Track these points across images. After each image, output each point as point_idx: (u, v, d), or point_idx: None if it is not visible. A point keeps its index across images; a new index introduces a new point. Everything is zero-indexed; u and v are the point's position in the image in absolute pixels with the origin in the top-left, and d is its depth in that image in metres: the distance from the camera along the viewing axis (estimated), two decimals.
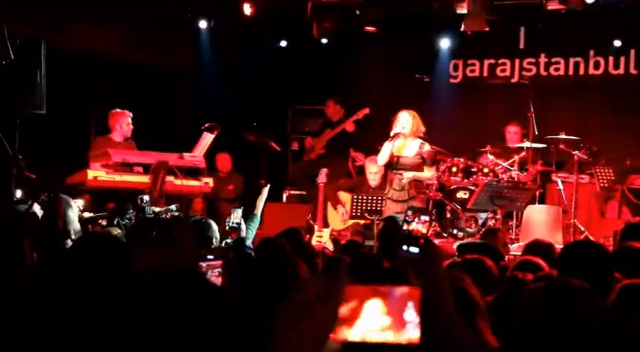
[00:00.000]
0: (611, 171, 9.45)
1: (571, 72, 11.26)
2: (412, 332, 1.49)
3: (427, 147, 8.24)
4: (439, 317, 1.51)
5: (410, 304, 1.52)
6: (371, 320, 1.50)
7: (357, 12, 10.71)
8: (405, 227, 2.45)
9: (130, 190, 7.65)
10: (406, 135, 8.13)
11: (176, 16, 10.94)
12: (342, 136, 10.72)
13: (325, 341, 1.47)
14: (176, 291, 2.42)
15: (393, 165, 8.21)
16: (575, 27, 10.61)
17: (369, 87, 11.72)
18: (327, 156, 10.74)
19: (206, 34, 11.81)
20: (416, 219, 2.44)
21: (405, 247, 2.29)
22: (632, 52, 10.83)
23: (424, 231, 2.34)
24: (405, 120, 8.12)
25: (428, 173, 8.36)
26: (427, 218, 2.40)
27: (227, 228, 5.84)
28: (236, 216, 5.90)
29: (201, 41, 11.84)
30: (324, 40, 11.35)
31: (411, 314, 1.51)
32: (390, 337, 1.50)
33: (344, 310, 1.50)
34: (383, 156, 8.23)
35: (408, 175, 8.12)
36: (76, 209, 5.32)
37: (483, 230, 7.03)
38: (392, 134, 8.12)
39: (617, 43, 10.74)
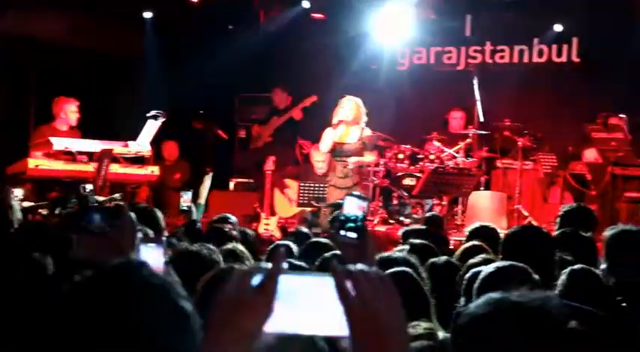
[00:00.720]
0: (554, 157, 9.60)
1: (516, 60, 11.38)
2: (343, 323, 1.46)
3: (367, 131, 8.27)
4: (365, 303, 1.47)
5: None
6: (305, 311, 1.47)
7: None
8: (340, 210, 2.45)
9: (73, 179, 7.53)
10: (349, 123, 8.13)
11: (122, 2, 10.78)
12: (289, 124, 10.70)
13: (259, 333, 1.44)
14: (117, 281, 2.38)
15: (336, 152, 8.21)
16: (519, 15, 10.70)
17: (316, 74, 11.69)
18: (275, 144, 10.72)
19: (153, 21, 11.66)
20: (350, 202, 2.43)
21: (342, 232, 2.30)
22: (575, 40, 10.99)
23: (359, 214, 2.34)
24: (349, 107, 8.14)
25: (370, 157, 8.40)
26: (365, 204, 2.40)
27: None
28: (186, 199, 5.86)
29: (147, 28, 11.68)
30: (272, 27, 11.29)
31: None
32: (324, 329, 1.47)
33: (279, 300, 1.46)
34: (325, 144, 8.23)
35: (352, 160, 8.13)
36: (16, 198, 5.23)
37: (426, 216, 7.13)
38: (335, 121, 8.11)
39: (559, 29, 10.82)
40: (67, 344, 1.65)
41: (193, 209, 6.12)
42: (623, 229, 4.03)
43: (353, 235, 2.28)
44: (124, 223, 3.02)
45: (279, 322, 1.44)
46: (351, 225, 2.30)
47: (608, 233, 4.06)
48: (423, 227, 6.00)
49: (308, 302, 1.46)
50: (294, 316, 1.45)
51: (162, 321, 1.65)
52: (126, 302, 1.64)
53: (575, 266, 3.66)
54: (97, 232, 2.99)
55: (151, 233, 4.38)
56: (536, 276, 3.22)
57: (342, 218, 2.30)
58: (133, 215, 3.60)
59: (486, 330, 1.73)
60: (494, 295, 1.77)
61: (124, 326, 1.64)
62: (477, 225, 5.43)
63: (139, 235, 2.93)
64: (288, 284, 1.46)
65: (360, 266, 1.47)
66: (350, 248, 2.29)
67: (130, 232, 3.04)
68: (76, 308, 1.63)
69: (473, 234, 5.15)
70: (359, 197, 2.43)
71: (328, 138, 8.17)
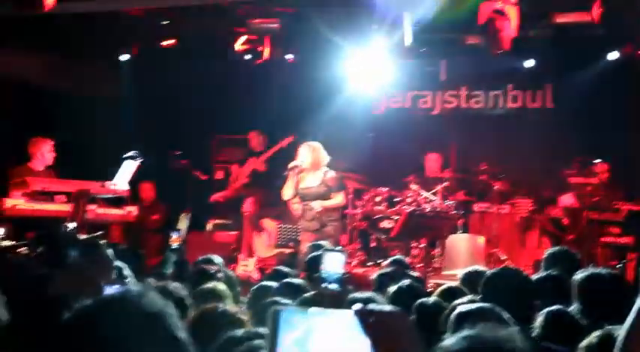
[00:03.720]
0: (530, 201, 9.67)
1: (491, 104, 11.50)
2: None
3: (331, 174, 8.29)
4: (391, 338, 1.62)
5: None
6: (336, 345, 1.59)
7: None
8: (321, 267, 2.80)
9: (50, 219, 7.49)
10: (307, 168, 8.19)
11: (100, 43, 10.79)
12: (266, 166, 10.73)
13: None
14: (116, 310, 2.34)
15: (302, 197, 8.25)
16: (494, 61, 10.83)
17: (292, 117, 11.70)
18: (252, 185, 10.72)
19: (129, 61, 11.68)
20: (330, 257, 2.79)
21: (324, 284, 2.66)
22: (549, 86, 11.14)
23: (339, 270, 2.71)
24: (304, 154, 8.23)
25: (337, 199, 8.38)
26: (343, 257, 2.73)
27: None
28: (175, 238, 5.79)
29: (125, 69, 11.69)
30: (248, 69, 11.35)
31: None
32: None
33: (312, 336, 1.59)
34: (287, 191, 8.27)
35: (315, 204, 8.15)
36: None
37: (390, 260, 7.15)
38: (289, 167, 8.17)
39: (535, 77, 10.95)
40: None
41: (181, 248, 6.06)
42: (592, 272, 4.12)
43: (335, 287, 2.65)
44: (100, 259, 3.01)
45: None
46: (333, 279, 2.68)
47: (578, 276, 4.13)
48: (398, 270, 5.98)
49: (336, 337, 1.58)
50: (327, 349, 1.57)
51: (159, 350, 1.65)
52: (124, 330, 1.64)
53: (552, 308, 3.70)
54: (73, 268, 2.98)
55: (128, 272, 4.36)
56: (507, 315, 3.25)
57: (325, 275, 2.68)
58: (109, 251, 3.59)
59: None
60: (467, 332, 1.85)
61: None
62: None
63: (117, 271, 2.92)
64: (317, 320, 1.57)
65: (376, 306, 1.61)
66: (329, 297, 2.65)
67: (105, 267, 3.03)
68: (77, 337, 1.62)
69: (464, 280, 5.20)
70: (336, 251, 2.73)
71: (287, 185, 8.24)
